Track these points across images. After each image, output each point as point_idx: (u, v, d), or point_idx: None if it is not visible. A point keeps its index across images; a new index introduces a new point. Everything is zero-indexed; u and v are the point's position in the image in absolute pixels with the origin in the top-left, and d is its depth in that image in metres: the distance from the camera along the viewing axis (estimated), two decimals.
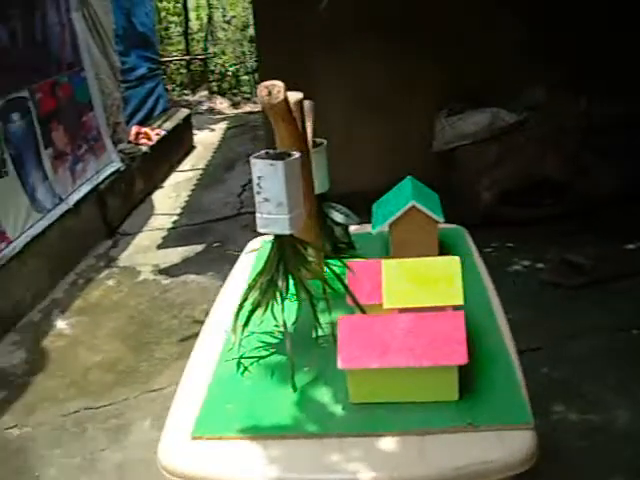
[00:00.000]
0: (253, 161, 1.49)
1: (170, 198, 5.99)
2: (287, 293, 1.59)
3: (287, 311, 1.64)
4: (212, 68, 10.00)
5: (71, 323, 3.84)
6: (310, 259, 1.74)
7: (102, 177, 5.18)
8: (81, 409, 3.02)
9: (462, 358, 1.36)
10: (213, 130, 8.29)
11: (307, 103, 2.00)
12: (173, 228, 5.21)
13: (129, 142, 5.97)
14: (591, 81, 4.24)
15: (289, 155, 1.52)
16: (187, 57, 9.65)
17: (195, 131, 7.91)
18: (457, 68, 4.51)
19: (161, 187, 6.30)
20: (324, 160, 2.06)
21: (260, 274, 1.62)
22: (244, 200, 5.67)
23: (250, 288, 1.65)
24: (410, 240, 2.01)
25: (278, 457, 1.34)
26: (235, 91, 9.74)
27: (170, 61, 9.74)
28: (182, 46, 9.94)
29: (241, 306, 1.65)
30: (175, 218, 5.43)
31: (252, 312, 1.61)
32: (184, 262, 4.46)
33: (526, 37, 4.44)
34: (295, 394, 1.50)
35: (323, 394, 1.49)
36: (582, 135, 4.28)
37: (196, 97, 9.84)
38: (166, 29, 9.90)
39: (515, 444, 1.31)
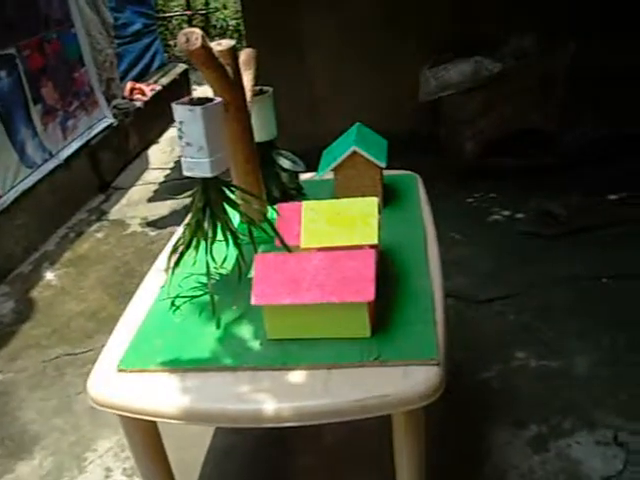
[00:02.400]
0: (174, 107, 1.54)
1: (164, 153, 6.04)
2: (214, 235, 1.65)
3: (219, 252, 1.71)
4: (214, 23, 9.95)
5: (59, 275, 3.94)
6: (252, 204, 1.80)
7: (94, 133, 5.22)
8: (61, 355, 3.13)
9: (369, 295, 1.41)
10: None
11: (247, 51, 2.04)
12: (164, 182, 5.28)
13: (123, 98, 5.99)
14: (580, 28, 4.19)
15: (210, 101, 1.56)
16: (188, 12, 9.57)
17: (195, 86, 7.91)
18: (444, 18, 4.48)
19: (157, 142, 6.34)
20: (270, 108, 2.09)
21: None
22: None
23: (184, 230, 1.72)
24: (353, 184, 2.05)
25: (193, 388, 1.42)
26: (237, 45, 9.66)
27: (172, 17, 9.68)
28: (183, 1, 9.88)
29: (175, 247, 1.71)
30: (167, 172, 5.49)
31: (182, 253, 1.67)
32: (171, 215, 4.53)
33: None
34: (218, 331, 1.57)
35: (244, 331, 1.56)
36: (569, 84, 4.25)
37: None
38: None
39: (417, 379, 1.36)
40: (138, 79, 6.56)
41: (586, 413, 2.37)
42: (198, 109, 1.50)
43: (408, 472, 1.51)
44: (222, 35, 9.75)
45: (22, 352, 3.21)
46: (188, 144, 1.55)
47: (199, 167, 1.56)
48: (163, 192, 5.01)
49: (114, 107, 5.71)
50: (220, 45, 1.71)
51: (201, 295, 1.71)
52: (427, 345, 1.43)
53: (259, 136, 2.01)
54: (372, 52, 4.77)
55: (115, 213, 4.78)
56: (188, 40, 1.50)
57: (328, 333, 1.48)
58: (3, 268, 3.99)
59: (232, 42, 1.75)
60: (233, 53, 1.74)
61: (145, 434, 1.57)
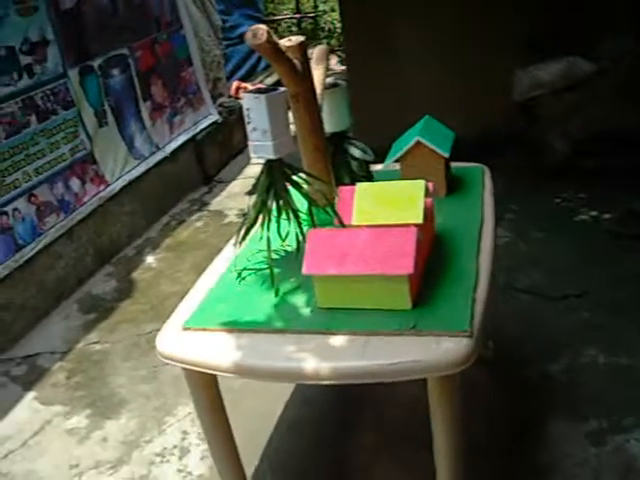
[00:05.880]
0: (243, 95, 1.71)
1: None
2: (279, 213, 1.80)
3: (286, 230, 1.87)
4: (322, 25, 10.19)
5: (159, 258, 4.24)
6: (316, 187, 1.94)
7: (200, 128, 5.53)
8: (154, 330, 3.36)
9: (409, 268, 1.52)
10: None
11: (320, 48, 2.18)
12: None
13: (229, 96, 6.30)
14: None
15: (275, 90, 1.72)
16: (297, 15, 9.89)
17: None
18: (538, 17, 4.45)
19: None
20: (343, 100, 2.22)
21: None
22: None
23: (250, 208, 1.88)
24: (418, 173, 2.14)
25: (246, 346, 1.58)
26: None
27: (281, 19, 10.01)
28: (293, 5, 10.20)
29: (242, 224, 1.89)
30: None
31: (248, 229, 1.84)
32: None
33: None
34: (276, 299, 1.72)
35: (298, 299, 1.71)
36: None
37: None
38: None
39: (449, 348, 1.46)
40: (244, 79, 6.86)
41: None
42: (263, 97, 1.67)
43: (442, 438, 1.61)
44: (329, 37, 9.97)
45: (119, 326, 3.50)
46: (254, 129, 1.71)
47: (264, 150, 1.73)
48: None
49: (220, 105, 6.01)
50: (290, 41, 1.86)
51: (265, 268, 1.87)
52: (461, 318, 1.53)
53: (332, 126, 2.16)
54: (467, 52, 4.80)
55: (215, 204, 5.05)
56: (255, 35, 1.66)
57: (372, 304, 1.60)
58: (109, 251, 4.32)
59: (301, 38, 1.89)
60: (302, 48, 1.88)
61: (205, 386, 1.75)
